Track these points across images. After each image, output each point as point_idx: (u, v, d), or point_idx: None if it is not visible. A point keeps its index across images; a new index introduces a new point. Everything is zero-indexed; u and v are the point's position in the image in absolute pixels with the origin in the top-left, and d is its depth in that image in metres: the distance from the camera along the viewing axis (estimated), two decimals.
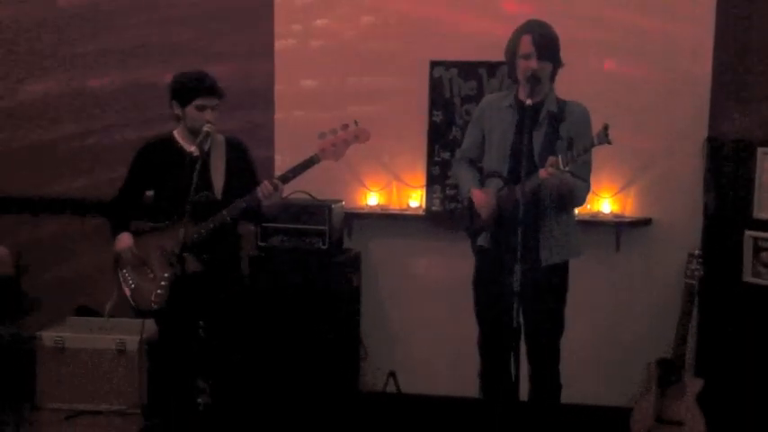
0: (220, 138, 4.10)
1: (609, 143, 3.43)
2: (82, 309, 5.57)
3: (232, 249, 4.16)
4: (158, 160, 4.05)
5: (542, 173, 3.55)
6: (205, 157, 3.93)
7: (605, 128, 3.41)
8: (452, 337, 5.13)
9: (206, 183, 3.97)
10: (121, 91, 5.62)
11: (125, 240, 4.08)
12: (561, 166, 3.50)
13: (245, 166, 4.14)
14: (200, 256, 3.92)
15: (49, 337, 5.11)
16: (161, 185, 4.06)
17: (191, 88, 3.94)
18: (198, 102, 3.93)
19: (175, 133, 4.08)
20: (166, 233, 3.95)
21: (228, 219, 3.93)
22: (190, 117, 3.96)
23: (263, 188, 3.86)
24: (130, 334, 5.04)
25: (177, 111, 4.00)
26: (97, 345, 5.09)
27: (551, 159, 3.53)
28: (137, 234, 4.11)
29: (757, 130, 4.83)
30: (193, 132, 3.96)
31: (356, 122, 3.89)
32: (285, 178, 3.91)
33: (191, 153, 3.93)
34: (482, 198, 3.84)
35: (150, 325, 4.41)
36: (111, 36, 5.59)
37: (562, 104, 3.82)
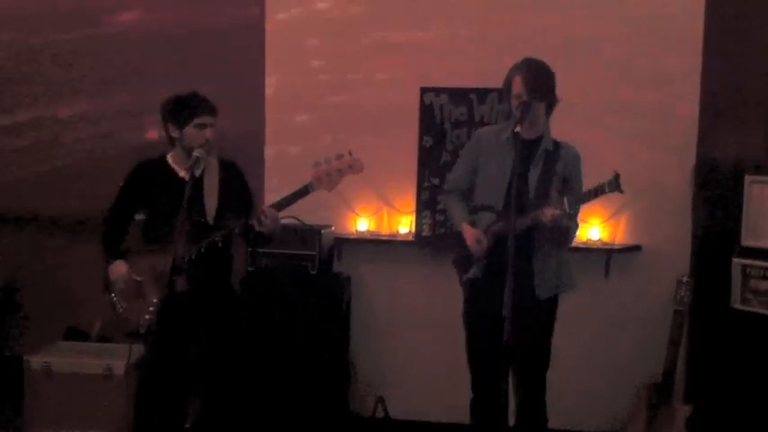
0: (214, 161, 4.09)
1: (621, 192, 3.46)
2: (71, 330, 5.54)
3: (222, 272, 4.15)
4: (150, 182, 4.04)
5: (546, 215, 3.57)
6: (196, 180, 3.91)
7: (616, 177, 3.45)
8: (441, 362, 5.12)
9: (198, 206, 3.96)
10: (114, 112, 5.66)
11: (120, 268, 4.05)
12: (567, 209, 3.53)
13: (238, 190, 4.13)
14: (190, 277, 3.91)
15: (36, 361, 5.06)
16: (153, 208, 4.05)
17: (189, 108, 3.92)
18: (198, 120, 3.92)
19: (169, 157, 4.07)
20: (158, 255, 3.93)
21: (219, 242, 3.92)
22: (189, 137, 3.93)
23: (262, 215, 3.84)
24: (118, 359, 4.99)
25: (174, 133, 3.97)
26: (84, 369, 5.04)
27: (554, 198, 3.56)
28: (130, 256, 4.09)
29: (745, 157, 4.86)
30: (191, 153, 3.93)
31: (350, 153, 3.87)
32: (279, 206, 3.89)
33: (183, 178, 3.94)
34: (474, 235, 3.85)
35: (138, 349, 4.37)
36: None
37: (557, 144, 3.86)
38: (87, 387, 5.03)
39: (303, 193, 3.87)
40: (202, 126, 3.92)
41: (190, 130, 3.93)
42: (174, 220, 3.73)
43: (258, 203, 4.11)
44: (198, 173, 3.93)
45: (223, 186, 4.07)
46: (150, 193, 4.04)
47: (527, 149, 3.69)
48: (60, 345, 5.39)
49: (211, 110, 3.96)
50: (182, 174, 4.00)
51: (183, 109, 3.94)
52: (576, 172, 3.83)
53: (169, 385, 4.10)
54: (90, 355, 5.18)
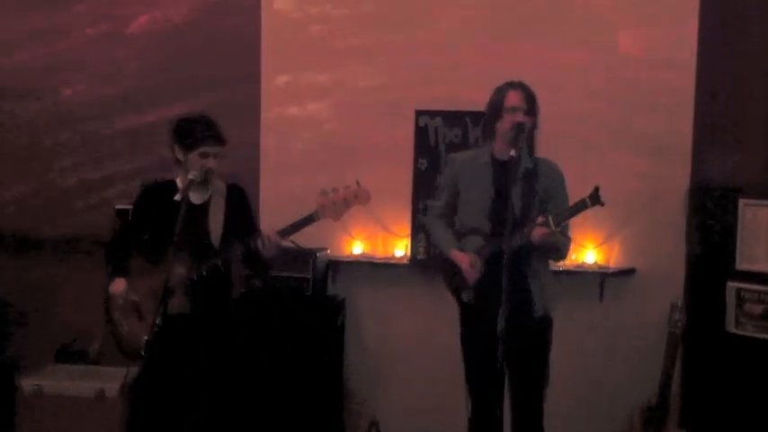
0: (222, 185, 4.11)
1: (601, 204, 3.49)
2: (63, 350, 5.52)
3: (223, 294, 4.14)
4: (156, 203, 4.05)
5: (535, 234, 3.59)
6: (203, 203, 3.99)
7: (596, 190, 3.48)
8: (436, 385, 5.11)
9: (203, 229, 3.99)
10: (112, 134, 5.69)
11: (119, 285, 4.06)
12: (552, 226, 3.54)
13: (244, 215, 4.14)
14: (191, 299, 3.93)
15: (28, 383, 5.05)
16: (158, 229, 4.05)
17: (196, 135, 3.93)
18: (202, 149, 3.92)
19: (178, 180, 4.08)
20: (159, 276, 3.91)
21: (221, 266, 3.95)
22: (192, 163, 3.93)
23: (262, 240, 3.87)
24: (110, 381, 4.99)
25: (179, 155, 3.98)
26: (76, 392, 5.03)
27: (540, 219, 3.58)
28: (132, 276, 4.09)
29: (739, 180, 4.88)
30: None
31: (358, 183, 3.89)
32: (283, 233, 3.91)
33: (191, 201, 3.98)
34: (467, 260, 3.85)
35: (133, 372, 4.36)
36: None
37: (535, 160, 3.89)
38: (79, 410, 5.01)
39: (308, 221, 3.89)
40: (205, 155, 3.93)
41: (193, 156, 3.93)
42: (182, 242, 3.78)
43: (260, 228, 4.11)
44: (205, 197, 4.00)
45: (229, 210, 4.08)
46: (156, 214, 4.04)
47: (507, 171, 3.71)
48: (52, 367, 5.38)
49: (217, 139, 3.96)
50: (190, 197, 4.02)
51: (188, 134, 3.94)
52: (559, 187, 3.86)
53: (164, 406, 4.09)
54: (82, 377, 5.18)
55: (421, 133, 5.24)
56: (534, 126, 3.86)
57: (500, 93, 3.84)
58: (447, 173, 4.14)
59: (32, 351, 5.54)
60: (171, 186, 4.07)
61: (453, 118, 5.19)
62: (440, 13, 5.26)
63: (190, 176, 3.88)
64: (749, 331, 4.67)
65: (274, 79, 5.47)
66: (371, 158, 5.27)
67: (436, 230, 4.14)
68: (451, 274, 3.95)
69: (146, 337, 3.93)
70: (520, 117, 3.75)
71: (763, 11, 4.91)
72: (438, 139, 5.22)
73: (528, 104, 3.77)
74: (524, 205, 3.74)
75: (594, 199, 3.49)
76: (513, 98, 3.78)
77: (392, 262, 5.32)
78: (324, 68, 5.41)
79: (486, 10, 5.20)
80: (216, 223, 4.03)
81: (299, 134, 5.44)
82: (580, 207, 3.54)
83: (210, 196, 4.05)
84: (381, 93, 5.32)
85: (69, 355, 5.52)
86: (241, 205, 4.15)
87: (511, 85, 3.83)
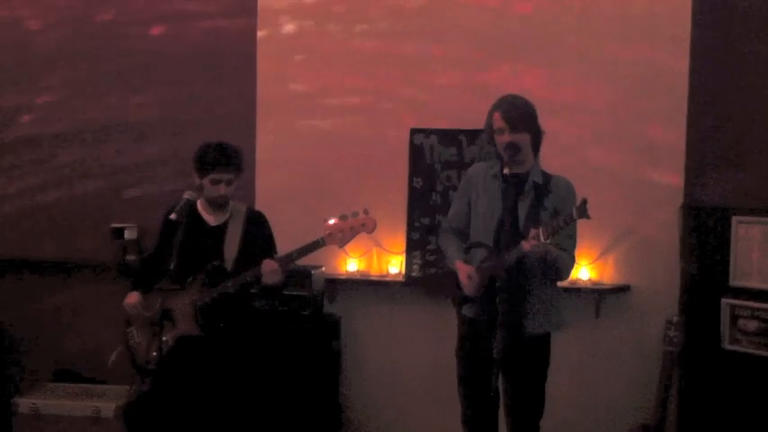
0: (242, 209, 4.19)
1: (588, 218, 3.46)
2: (61, 369, 5.50)
3: (234, 319, 4.15)
4: (172, 227, 4.06)
5: (525, 245, 3.57)
6: (220, 226, 4.09)
7: (584, 202, 3.45)
8: (434, 404, 5.10)
9: (218, 252, 4.06)
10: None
11: (132, 297, 4.14)
12: (542, 238, 3.53)
13: (261, 240, 4.18)
14: (198, 322, 3.99)
15: (24, 403, 5.04)
16: (179, 251, 4.07)
17: (208, 161, 4.00)
18: (213, 175, 4.00)
19: (198, 203, 4.14)
20: (179, 296, 4.01)
21: (231, 290, 3.98)
22: (206, 188, 4.05)
23: (266, 266, 3.92)
24: (106, 400, 4.99)
25: (197, 181, 4.07)
26: (73, 412, 5.03)
27: (533, 231, 3.56)
28: (152, 293, 4.14)
29: (732, 198, 4.90)
30: (210, 203, 4.07)
31: (366, 211, 3.93)
32: (289, 258, 3.97)
33: (208, 223, 4.09)
34: (466, 271, 3.84)
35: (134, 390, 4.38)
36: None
37: (547, 177, 3.85)
38: (76, 429, 5.01)
39: (314, 247, 3.96)
40: (217, 181, 4.01)
41: (206, 182, 4.03)
42: (195, 263, 3.93)
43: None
44: (221, 220, 4.08)
45: (246, 235, 4.13)
46: (171, 235, 4.05)
47: (516, 185, 3.71)
48: (49, 386, 5.38)
49: (231, 166, 4.03)
50: (208, 219, 4.13)
51: (203, 160, 4.03)
52: (570, 202, 3.78)
53: (162, 428, 4.09)
54: (79, 396, 5.17)
55: (416, 151, 5.26)
56: (538, 133, 3.81)
57: (489, 114, 3.83)
58: (462, 184, 4.10)
59: (29, 369, 5.54)
60: (191, 209, 4.09)
61: (448, 136, 5.22)
62: (437, 31, 5.29)
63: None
64: (744, 347, 4.69)
65: (269, 96, 5.48)
66: (366, 176, 5.30)
67: (443, 243, 4.10)
68: (455, 286, 3.94)
69: (154, 353, 3.99)
70: (506, 138, 3.73)
71: (763, 11, 4.94)
72: (433, 158, 5.24)
73: (513, 123, 3.73)
74: (530, 220, 3.70)
75: (581, 212, 3.47)
76: (497, 120, 3.76)
77: (387, 279, 5.33)
78: (318, 86, 5.43)
79: (483, 27, 5.23)
80: (231, 247, 4.09)
81: (293, 151, 5.45)
82: (567, 220, 3.53)
83: (228, 220, 4.12)
84: (377, 110, 5.34)
85: (66, 373, 5.51)
86: (259, 230, 4.21)
87: (495, 106, 3.81)
